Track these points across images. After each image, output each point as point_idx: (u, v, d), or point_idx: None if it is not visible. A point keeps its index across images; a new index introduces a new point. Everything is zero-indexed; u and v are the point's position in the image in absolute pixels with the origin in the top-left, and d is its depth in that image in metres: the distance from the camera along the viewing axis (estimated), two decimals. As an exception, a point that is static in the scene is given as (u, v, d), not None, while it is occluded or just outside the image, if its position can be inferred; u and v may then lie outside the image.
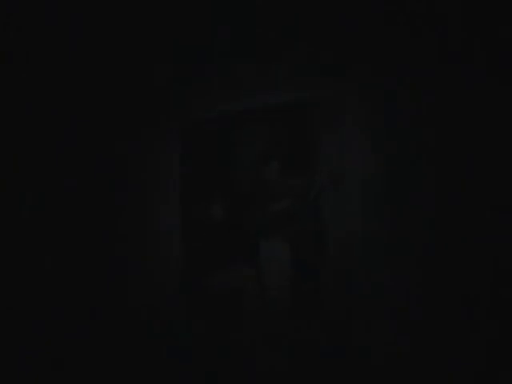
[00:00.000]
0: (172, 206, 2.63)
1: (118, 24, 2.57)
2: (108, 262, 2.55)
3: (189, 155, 2.72)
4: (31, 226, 2.36)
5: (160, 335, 2.50)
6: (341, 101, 2.33)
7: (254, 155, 2.80)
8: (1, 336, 2.22)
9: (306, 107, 2.77)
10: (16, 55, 2.34)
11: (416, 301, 2.10)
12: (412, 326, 2.10)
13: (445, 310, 2.03)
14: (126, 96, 2.64)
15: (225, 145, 2.71)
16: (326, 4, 2.28)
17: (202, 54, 2.53)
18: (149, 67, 2.63)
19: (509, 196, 1.90)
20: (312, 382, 2.29)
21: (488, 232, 1.93)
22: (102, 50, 2.59)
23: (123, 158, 2.62)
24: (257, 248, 2.78)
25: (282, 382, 2.34)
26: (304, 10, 2.32)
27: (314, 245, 2.72)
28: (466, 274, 1.98)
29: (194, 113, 2.62)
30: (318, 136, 2.52)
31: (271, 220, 2.74)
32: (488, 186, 1.94)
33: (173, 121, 2.65)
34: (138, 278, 2.59)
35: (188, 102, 2.61)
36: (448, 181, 2.03)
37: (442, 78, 2.05)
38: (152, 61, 2.62)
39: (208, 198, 2.73)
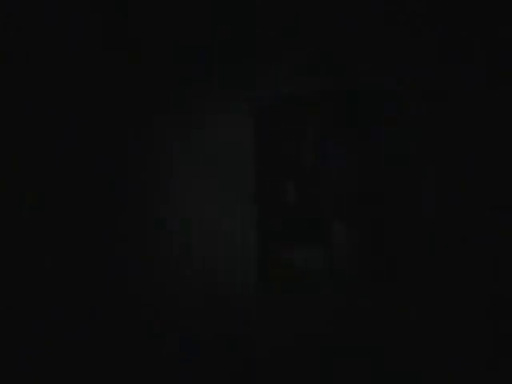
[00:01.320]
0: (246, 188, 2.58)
1: (117, 24, 2.57)
2: (108, 261, 2.55)
3: (261, 135, 2.63)
4: (31, 226, 2.35)
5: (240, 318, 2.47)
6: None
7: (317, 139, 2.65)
8: (1, 336, 2.22)
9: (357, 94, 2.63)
10: (16, 55, 2.34)
11: (416, 301, 2.10)
12: (411, 325, 2.10)
13: (444, 309, 2.03)
14: (126, 96, 2.64)
15: (297, 127, 2.62)
16: (326, 4, 2.28)
17: (201, 54, 2.53)
18: (149, 67, 2.62)
19: (509, 196, 1.90)
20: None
21: (488, 232, 1.93)
22: (102, 49, 2.59)
23: (123, 158, 2.62)
24: (328, 230, 2.69)
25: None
26: (304, 9, 2.32)
27: (385, 233, 2.59)
28: (466, 274, 1.98)
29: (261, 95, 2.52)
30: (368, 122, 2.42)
31: (340, 203, 2.64)
32: (488, 185, 1.94)
33: (173, 120, 2.65)
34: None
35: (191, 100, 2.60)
36: (448, 181, 2.03)
37: (441, 78, 2.04)
38: (152, 60, 2.62)
39: (281, 179, 2.65)
